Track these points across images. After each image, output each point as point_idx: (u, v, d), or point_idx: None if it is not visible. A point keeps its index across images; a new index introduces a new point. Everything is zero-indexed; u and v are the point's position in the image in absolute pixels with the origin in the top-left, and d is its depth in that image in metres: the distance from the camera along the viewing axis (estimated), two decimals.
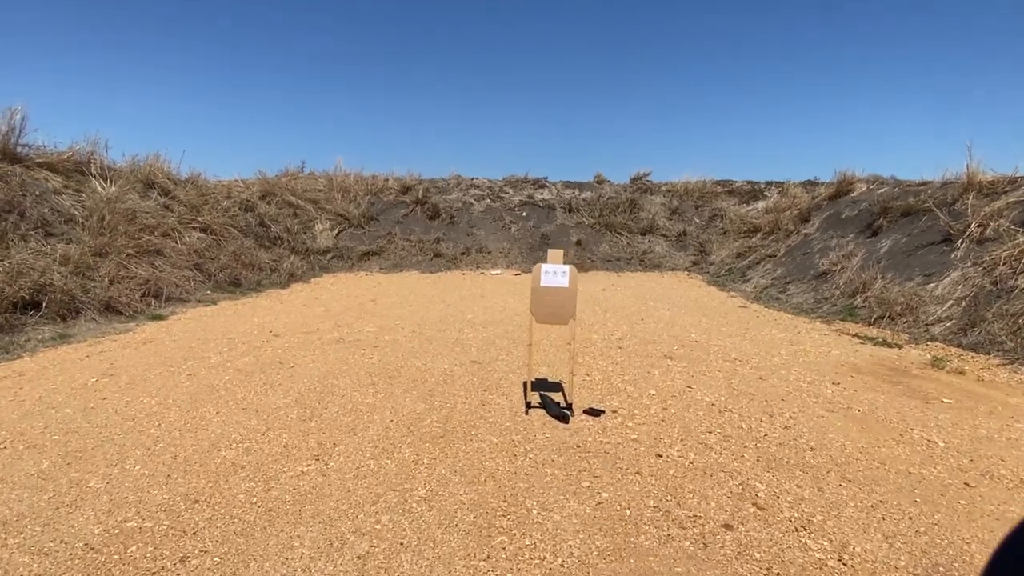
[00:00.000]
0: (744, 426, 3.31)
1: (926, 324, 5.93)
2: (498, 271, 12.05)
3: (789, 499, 2.44)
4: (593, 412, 3.47)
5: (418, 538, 2.12)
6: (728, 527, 2.21)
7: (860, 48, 42.74)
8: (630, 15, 44.61)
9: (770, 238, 11.67)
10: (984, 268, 6.17)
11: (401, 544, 2.08)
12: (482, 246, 13.24)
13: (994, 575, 0.43)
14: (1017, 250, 5.95)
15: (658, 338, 5.68)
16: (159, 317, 6.43)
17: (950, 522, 2.27)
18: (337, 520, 2.24)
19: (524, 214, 14.55)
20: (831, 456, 2.90)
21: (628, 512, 2.32)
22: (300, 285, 9.76)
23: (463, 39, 46.29)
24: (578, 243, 13.35)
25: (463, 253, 12.92)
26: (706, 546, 2.09)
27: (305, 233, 12.63)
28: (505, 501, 2.41)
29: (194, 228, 9.33)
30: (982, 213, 7.00)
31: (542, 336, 5.50)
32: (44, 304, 5.60)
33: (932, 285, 6.58)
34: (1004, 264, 5.93)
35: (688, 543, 2.11)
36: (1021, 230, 6.29)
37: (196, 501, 2.37)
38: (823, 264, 8.71)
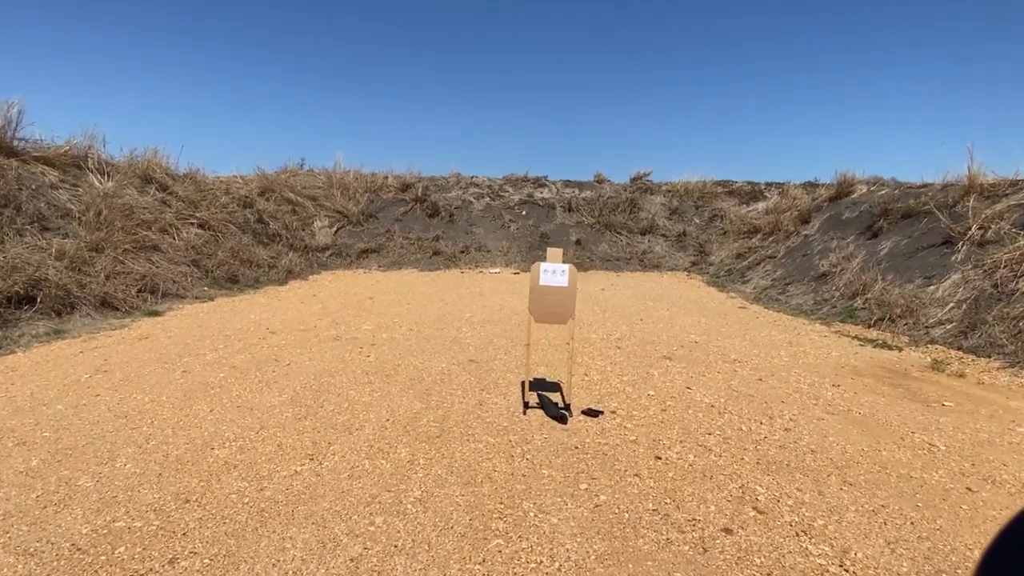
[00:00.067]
0: (744, 428, 3.27)
1: (926, 326, 5.90)
2: (497, 270, 12.01)
3: (789, 503, 2.41)
4: (591, 413, 3.44)
5: (413, 540, 2.08)
6: (728, 531, 2.18)
7: (860, 49, 42.73)
8: (630, 15, 44.55)
9: (770, 239, 11.64)
10: (985, 271, 6.14)
11: (395, 547, 2.04)
12: (481, 245, 13.20)
13: (994, 561, 0.42)
14: (1018, 253, 5.93)
15: (657, 338, 5.64)
16: (155, 313, 6.39)
17: (952, 528, 2.24)
18: (330, 521, 2.20)
19: (524, 213, 14.50)
20: (831, 459, 2.87)
21: (626, 515, 2.29)
22: (298, 282, 9.71)
23: (464, 38, 46.22)
24: (577, 242, 13.31)
25: (462, 251, 12.87)
26: (706, 551, 2.05)
27: (304, 230, 12.57)
28: (502, 503, 2.37)
29: (192, 224, 9.27)
30: (983, 216, 6.98)
31: (540, 335, 5.47)
32: (39, 299, 5.56)
33: (932, 287, 6.56)
34: (1005, 267, 5.91)
35: (687, 547, 2.07)
36: (1022, 233, 6.27)
37: (187, 501, 2.33)
38: (823, 265, 8.68)
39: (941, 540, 2.15)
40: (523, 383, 3.94)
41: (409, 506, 2.33)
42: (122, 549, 1.98)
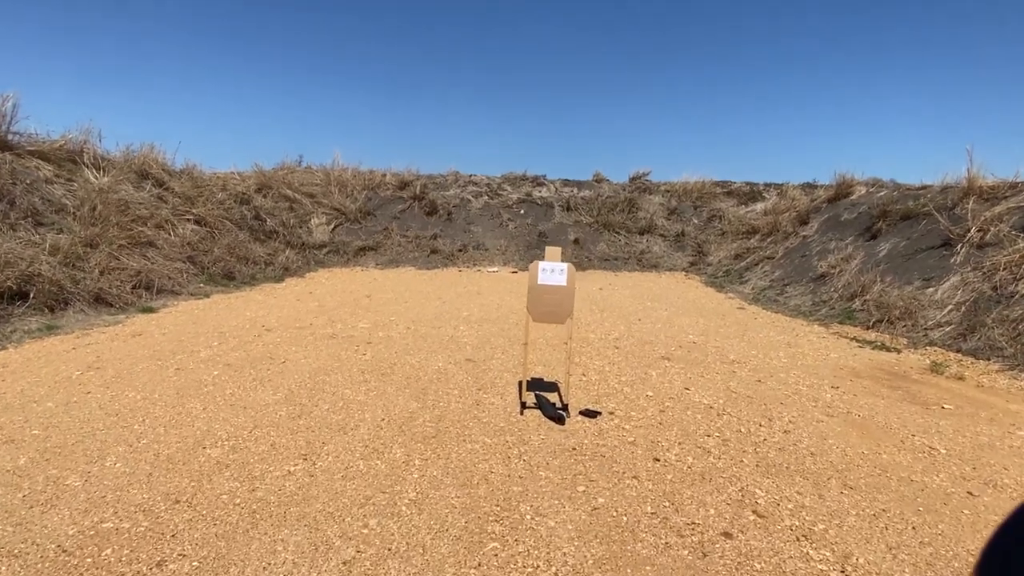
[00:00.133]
0: (743, 430, 3.24)
1: (925, 328, 5.88)
2: (495, 268, 11.96)
3: (790, 507, 2.37)
4: (589, 413, 3.40)
5: (407, 543, 2.04)
6: (728, 535, 2.15)
7: (861, 50, 42.78)
8: (630, 15, 44.52)
9: (768, 240, 11.62)
10: (984, 273, 6.13)
11: (389, 550, 2.00)
12: (479, 243, 13.15)
13: (995, 552, 0.43)
14: (1017, 255, 5.91)
15: (656, 339, 5.61)
16: (150, 310, 6.33)
17: (954, 533, 2.21)
18: (323, 523, 2.16)
19: (522, 212, 14.46)
20: (832, 462, 2.84)
21: (625, 519, 2.25)
22: (295, 279, 9.65)
23: (464, 38, 46.12)
24: (576, 242, 13.28)
25: (460, 250, 12.82)
26: (705, 555, 2.02)
27: (301, 227, 12.50)
28: (498, 505, 2.33)
29: (188, 220, 9.20)
30: (982, 218, 6.96)
31: (538, 335, 5.43)
32: (32, 295, 5.49)
33: (931, 289, 6.54)
34: (1004, 269, 5.89)
35: (686, 552, 2.04)
36: (1021, 235, 6.26)
37: (177, 501, 2.28)
38: (821, 267, 8.66)
39: (943, 546, 2.12)
40: (520, 383, 3.90)
41: (404, 508, 2.29)
42: (109, 551, 1.94)
